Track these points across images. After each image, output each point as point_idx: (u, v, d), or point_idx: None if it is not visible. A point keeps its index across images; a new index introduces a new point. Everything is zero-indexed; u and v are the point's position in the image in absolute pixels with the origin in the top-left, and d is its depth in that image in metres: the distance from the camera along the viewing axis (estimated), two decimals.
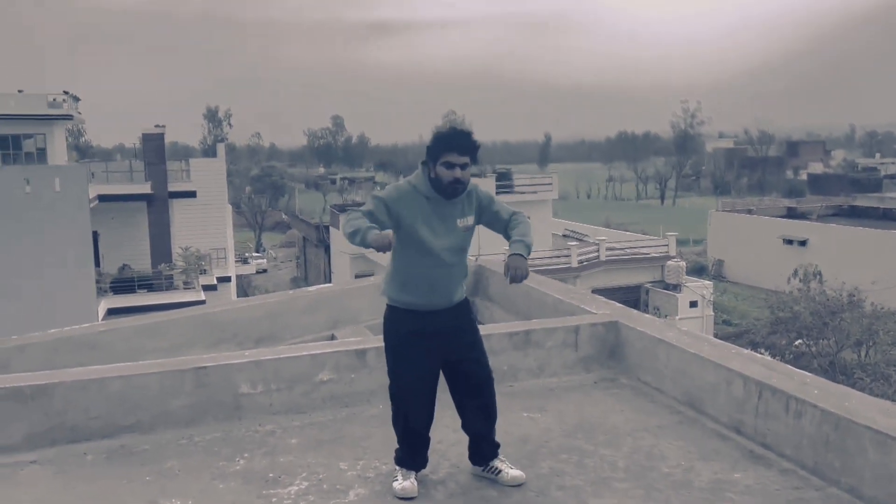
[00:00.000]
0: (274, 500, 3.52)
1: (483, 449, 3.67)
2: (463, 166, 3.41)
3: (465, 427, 3.70)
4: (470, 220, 3.57)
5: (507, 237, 3.56)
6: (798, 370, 4.29)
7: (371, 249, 3.37)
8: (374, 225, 3.34)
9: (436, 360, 3.56)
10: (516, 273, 3.38)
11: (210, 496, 3.56)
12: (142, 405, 4.31)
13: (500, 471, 3.61)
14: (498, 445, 3.69)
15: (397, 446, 3.65)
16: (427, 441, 3.64)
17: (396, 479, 3.56)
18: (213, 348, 6.02)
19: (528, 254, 3.46)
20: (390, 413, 3.67)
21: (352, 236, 3.36)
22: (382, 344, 4.83)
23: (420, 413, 3.57)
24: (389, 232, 3.33)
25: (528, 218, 3.72)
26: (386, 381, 4.76)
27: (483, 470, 3.66)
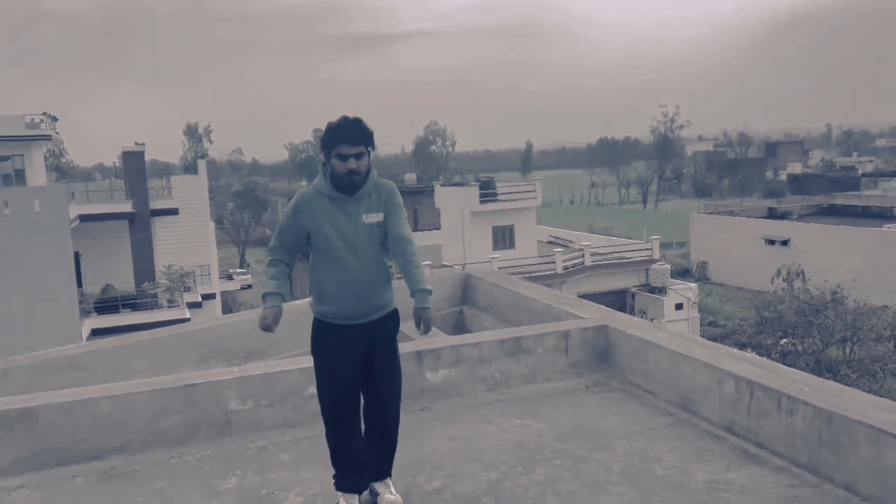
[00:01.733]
0: None
1: (379, 470, 3.56)
2: (357, 156, 3.28)
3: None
4: (378, 216, 3.39)
5: (404, 275, 3.36)
6: (788, 368, 4.31)
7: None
8: (276, 291, 3.38)
9: (356, 374, 3.43)
10: (428, 325, 3.30)
11: None
12: (130, 425, 4.25)
13: (378, 493, 3.52)
14: (387, 471, 3.57)
15: (334, 472, 3.51)
16: (358, 458, 3.46)
17: None
18: (201, 365, 5.95)
19: (429, 300, 3.32)
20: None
21: (262, 291, 3.45)
22: None
23: (345, 428, 3.44)
24: (271, 313, 3.33)
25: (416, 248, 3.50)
26: None
27: (368, 492, 3.54)
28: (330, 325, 3.39)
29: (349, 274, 3.33)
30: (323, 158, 3.36)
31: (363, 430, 3.51)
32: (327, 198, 3.35)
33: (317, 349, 3.46)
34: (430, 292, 3.33)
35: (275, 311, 3.36)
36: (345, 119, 3.31)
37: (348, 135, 3.28)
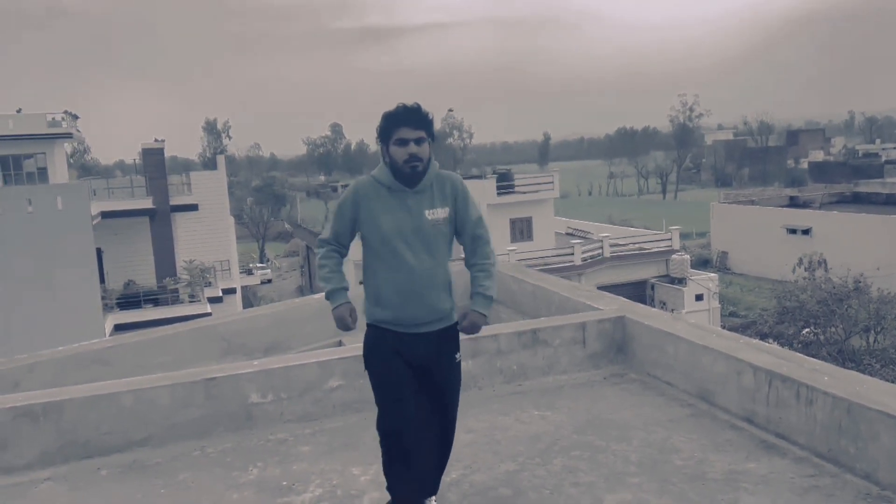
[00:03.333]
0: None
1: (436, 484, 3.37)
2: (418, 141, 3.07)
3: None
4: (442, 212, 3.15)
5: (471, 274, 3.22)
6: (808, 357, 4.28)
7: None
8: (339, 287, 3.17)
9: (415, 388, 3.17)
10: (472, 330, 3.18)
11: None
12: (153, 419, 4.31)
13: None
14: (436, 490, 3.35)
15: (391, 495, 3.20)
16: (419, 478, 3.19)
17: None
18: (222, 359, 6.02)
19: (489, 308, 3.19)
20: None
21: (323, 289, 3.22)
22: None
23: (422, 445, 3.14)
24: (346, 310, 3.13)
25: (492, 248, 3.32)
26: None
27: None
28: (387, 332, 3.13)
29: (409, 276, 3.07)
30: (381, 150, 3.15)
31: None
32: (387, 189, 3.12)
33: (371, 359, 3.18)
34: (492, 300, 3.19)
35: (347, 307, 3.15)
36: (403, 105, 3.12)
37: (408, 118, 3.08)
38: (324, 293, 3.22)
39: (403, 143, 3.07)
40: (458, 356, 3.27)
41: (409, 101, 3.12)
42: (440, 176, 3.19)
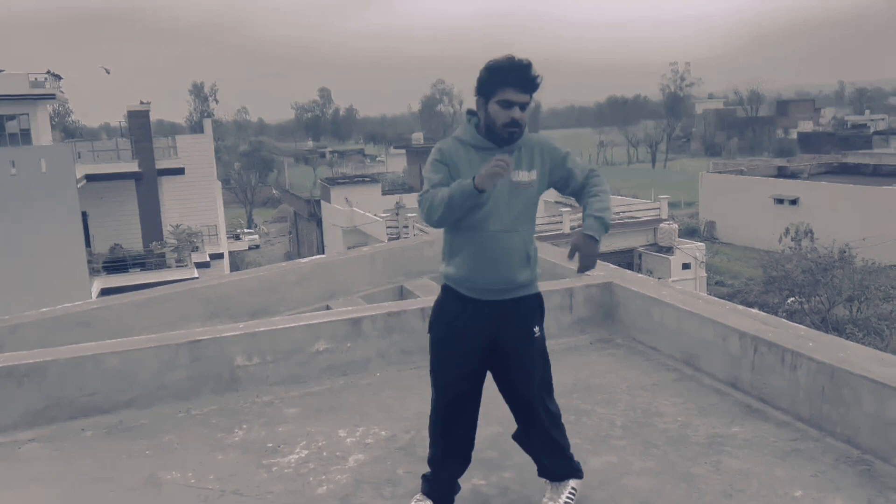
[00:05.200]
0: (274, 468, 3.52)
1: (547, 470, 3.11)
2: (522, 106, 2.80)
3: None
4: (531, 175, 2.88)
5: (582, 205, 2.93)
6: (792, 323, 4.30)
7: (478, 202, 2.73)
8: (458, 181, 2.76)
9: (478, 366, 2.94)
10: (587, 261, 2.82)
11: (210, 468, 3.56)
12: (138, 380, 4.29)
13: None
14: (561, 475, 3.09)
15: (428, 471, 3.07)
16: (464, 467, 3.06)
17: None
18: (208, 322, 6.00)
19: (603, 235, 2.85)
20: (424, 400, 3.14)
21: (448, 207, 2.73)
22: (376, 313, 4.85)
23: (458, 430, 3.00)
24: (505, 157, 2.68)
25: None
26: (382, 348, 4.78)
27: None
28: (458, 295, 2.90)
29: (488, 235, 2.82)
30: (475, 105, 2.87)
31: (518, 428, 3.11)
32: (472, 148, 2.88)
33: (438, 321, 2.96)
34: (607, 225, 2.84)
35: (505, 157, 2.70)
36: (514, 60, 2.79)
37: (519, 79, 2.77)
38: (460, 193, 2.71)
39: (508, 105, 2.79)
40: (536, 329, 2.95)
41: (520, 55, 2.80)
42: (528, 139, 2.93)
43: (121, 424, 4.09)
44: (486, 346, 2.91)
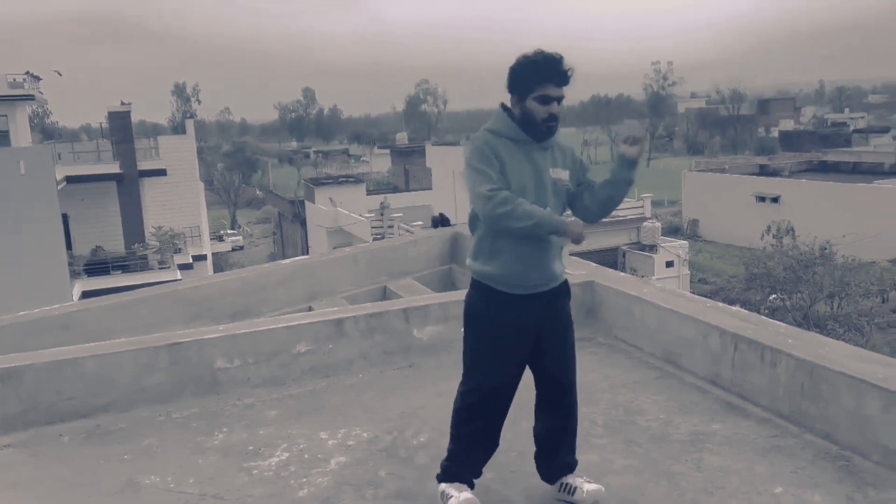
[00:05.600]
0: (255, 472, 3.50)
1: (552, 464, 3.13)
2: (559, 100, 2.82)
3: (536, 434, 3.16)
4: (565, 173, 2.94)
5: (602, 182, 3.02)
6: (772, 321, 4.33)
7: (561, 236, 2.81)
8: (547, 210, 2.79)
9: (517, 363, 2.98)
10: (637, 147, 2.94)
11: (189, 471, 3.53)
12: (117, 384, 4.25)
13: (574, 487, 3.04)
14: (574, 463, 3.14)
15: (446, 461, 3.06)
16: (492, 453, 3.08)
17: (451, 498, 2.95)
18: (189, 325, 5.94)
19: (633, 180, 2.96)
20: (454, 407, 3.08)
21: (530, 225, 2.74)
22: (358, 313, 4.83)
23: (496, 421, 3.01)
24: (576, 220, 2.82)
25: None
26: (365, 349, 4.76)
27: (559, 490, 3.10)
28: (499, 292, 2.89)
29: (529, 237, 2.84)
30: (510, 102, 2.88)
31: (539, 423, 3.13)
32: (510, 140, 2.86)
33: (480, 316, 2.93)
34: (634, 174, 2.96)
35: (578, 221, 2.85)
36: (548, 54, 2.79)
37: (556, 73, 2.79)
38: (549, 225, 2.77)
39: (547, 100, 2.81)
40: (570, 314, 3.05)
41: (552, 50, 2.81)
42: (555, 140, 2.96)
43: (99, 429, 4.05)
44: (530, 338, 2.94)
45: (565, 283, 3.04)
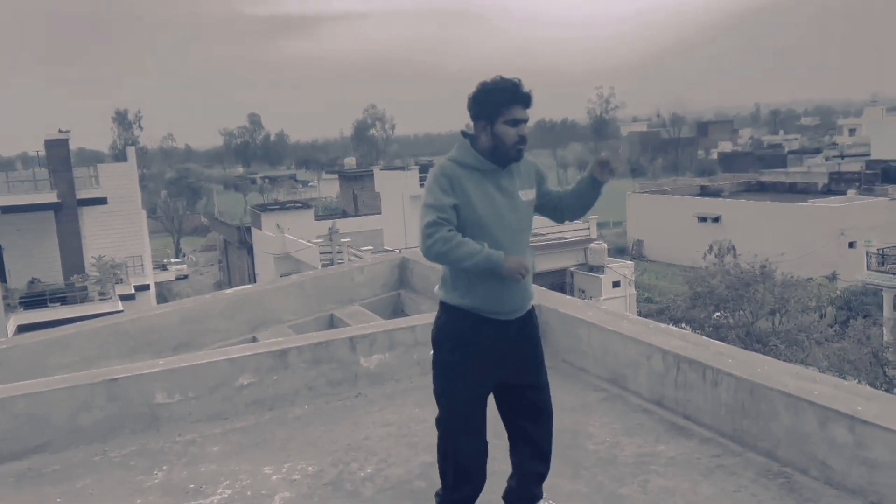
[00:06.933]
0: None
1: (522, 490, 3.11)
2: (525, 122, 2.86)
3: (513, 457, 3.13)
4: (532, 193, 2.97)
5: (568, 191, 3.08)
6: (713, 340, 4.41)
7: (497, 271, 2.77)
8: (481, 244, 2.76)
9: (492, 382, 2.98)
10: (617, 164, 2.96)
11: None
12: (50, 423, 4.08)
13: None
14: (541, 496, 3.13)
15: (440, 494, 3.07)
16: (481, 486, 3.04)
17: None
18: (128, 359, 5.76)
19: (599, 195, 3.05)
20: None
21: (468, 264, 2.75)
22: (303, 343, 4.75)
23: (473, 447, 2.98)
24: (520, 259, 2.80)
25: None
26: (310, 379, 4.68)
27: None
28: (479, 318, 2.87)
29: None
30: (475, 129, 2.88)
31: (514, 454, 3.11)
32: (475, 170, 2.85)
33: (454, 343, 2.89)
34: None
35: (522, 260, 2.82)
36: (510, 79, 2.83)
37: (522, 96, 2.82)
38: (485, 262, 2.76)
39: (516, 123, 2.83)
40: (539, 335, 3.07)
41: (511, 75, 2.85)
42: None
43: (31, 471, 3.88)
44: (502, 363, 2.94)
45: (533, 308, 3.08)
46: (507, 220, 2.86)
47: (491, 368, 2.93)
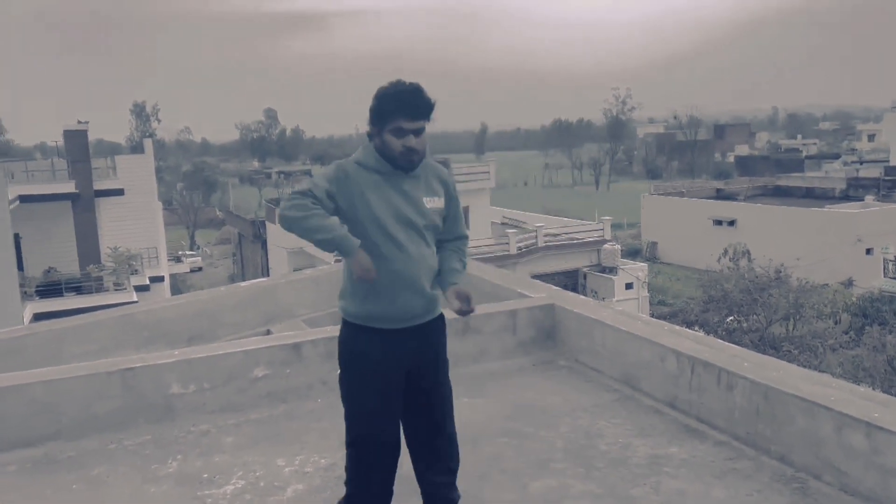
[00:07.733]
0: (209, 500, 3.41)
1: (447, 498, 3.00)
2: (417, 132, 2.72)
3: (419, 477, 3.01)
4: (440, 202, 2.86)
5: (443, 251, 2.94)
6: (728, 343, 4.39)
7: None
8: (344, 231, 2.67)
9: (398, 395, 2.87)
10: (468, 303, 2.83)
11: (141, 501, 3.43)
12: (66, 411, 4.12)
13: None
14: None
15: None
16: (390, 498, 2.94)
17: None
18: (143, 349, 5.81)
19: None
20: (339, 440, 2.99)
21: (319, 240, 2.65)
22: (317, 337, 4.77)
23: (388, 467, 2.89)
24: (366, 258, 2.68)
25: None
26: (324, 373, 4.69)
27: None
28: (375, 330, 2.78)
29: (407, 264, 2.74)
30: (370, 130, 2.79)
31: (418, 470, 2.99)
32: (377, 173, 2.77)
33: (357, 361, 2.81)
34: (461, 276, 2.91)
35: (365, 254, 2.70)
36: (403, 86, 2.71)
37: (409, 107, 2.70)
38: (340, 244, 2.67)
39: (401, 133, 2.72)
40: (445, 350, 2.96)
41: (409, 80, 2.73)
42: (432, 166, 2.89)
43: (46, 458, 3.91)
44: (404, 374, 2.84)
45: (441, 316, 2.94)
46: (407, 222, 2.76)
47: (393, 381, 2.82)
